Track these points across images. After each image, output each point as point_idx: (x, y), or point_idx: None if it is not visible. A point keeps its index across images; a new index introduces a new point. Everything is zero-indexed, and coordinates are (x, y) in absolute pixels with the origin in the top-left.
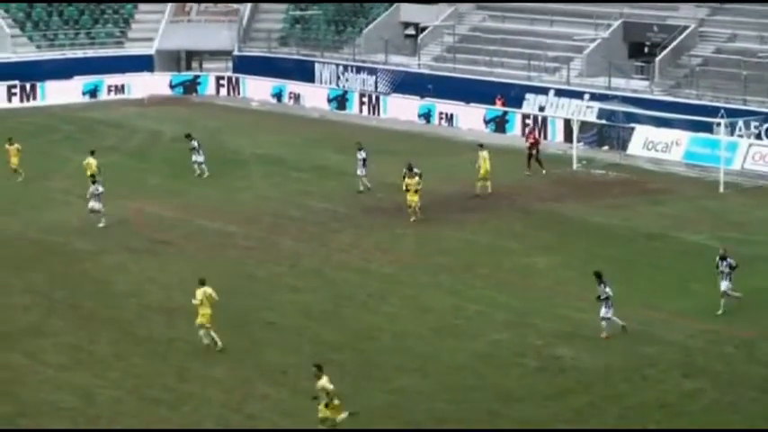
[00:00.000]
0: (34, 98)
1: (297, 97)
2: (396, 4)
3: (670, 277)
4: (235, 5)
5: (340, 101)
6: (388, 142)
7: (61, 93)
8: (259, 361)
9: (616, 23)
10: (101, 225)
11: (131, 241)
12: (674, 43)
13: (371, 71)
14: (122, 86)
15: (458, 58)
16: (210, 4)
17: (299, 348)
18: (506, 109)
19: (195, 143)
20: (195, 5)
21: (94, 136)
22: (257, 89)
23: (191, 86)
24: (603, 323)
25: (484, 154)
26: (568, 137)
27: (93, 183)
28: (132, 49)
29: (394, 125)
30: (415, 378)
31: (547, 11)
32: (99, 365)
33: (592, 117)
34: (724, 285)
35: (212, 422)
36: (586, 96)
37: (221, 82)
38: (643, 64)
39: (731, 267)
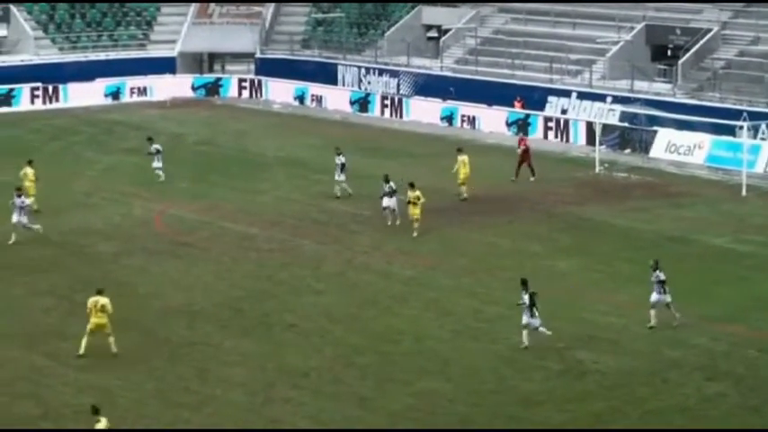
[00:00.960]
0: (57, 100)
1: (319, 99)
2: (418, 7)
3: (693, 280)
4: (257, 8)
5: (362, 103)
6: (410, 145)
7: (83, 95)
8: (281, 364)
9: (639, 26)
10: (10, 242)
11: (153, 243)
12: (697, 46)
13: (394, 73)
14: (144, 89)
15: (480, 61)
16: (233, 7)
17: (321, 351)
18: (528, 111)
19: (157, 146)
20: (218, 8)
21: (116, 138)
22: (280, 91)
23: (213, 89)
24: (524, 331)
25: (463, 158)
26: (591, 140)
27: (19, 196)
28: (154, 52)
29: (416, 127)
30: (437, 381)
31: (569, 14)
32: (121, 368)
33: (614, 120)
34: (654, 297)
35: (233, 424)
36: (609, 99)
37: (243, 84)
38: (666, 67)
39: (660, 281)
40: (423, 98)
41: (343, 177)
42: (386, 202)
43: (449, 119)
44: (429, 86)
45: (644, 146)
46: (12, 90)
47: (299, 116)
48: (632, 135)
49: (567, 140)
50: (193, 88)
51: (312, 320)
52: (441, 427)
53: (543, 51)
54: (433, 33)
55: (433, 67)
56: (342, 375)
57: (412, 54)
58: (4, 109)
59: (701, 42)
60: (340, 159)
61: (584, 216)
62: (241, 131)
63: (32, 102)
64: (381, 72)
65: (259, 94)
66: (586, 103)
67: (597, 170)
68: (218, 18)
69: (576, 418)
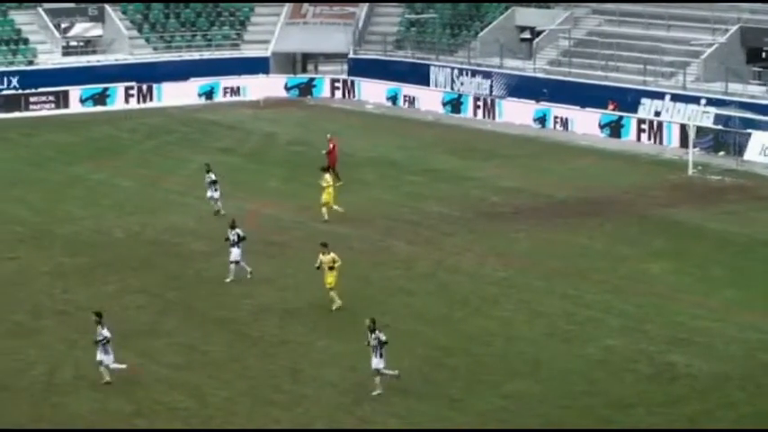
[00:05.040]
0: (151, 99)
1: (412, 100)
2: (512, 8)
3: None
4: (351, 8)
5: (455, 104)
6: (502, 146)
7: (177, 94)
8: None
9: (733, 28)
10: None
11: (246, 243)
12: None
13: (486, 75)
14: (238, 88)
15: (573, 63)
16: (326, 7)
17: (411, 351)
18: (621, 114)
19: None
20: (311, 8)
21: (210, 137)
22: (372, 92)
23: (306, 89)
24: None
25: (326, 177)
26: (684, 142)
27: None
28: (248, 52)
29: (508, 129)
30: (528, 383)
31: (663, 15)
32: (212, 366)
33: (708, 122)
34: (375, 362)
35: (324, 424)
36: (703, 101)
37: (336, 85)
38: (761, 69)
39: (380, 342)
40: (515, 99)
41: (217, 195)
42: (233, 255)
43: (541, 120)
44: (522, 88)
45: (738, 148)
46: (106, 89)
47: (392, 117)
48: (726, 138)
49: (661, 143)
50: (286, 88)
51: (403, 321)
52: (530, 428)
53: (637, 53)
54: (527, 35)
55: (525, 68)
56: (432, 376)
57: (505, 55)
58: (99, 108)
59: None
60: (210, 177)
61: (676, 219)
62: (333, 132)
63: (127, 101)
64: (474, 73)
65: (352, 95)
66: (680, 105)
67: (690, 173)
68: (311, 18)
69: (670, 422)
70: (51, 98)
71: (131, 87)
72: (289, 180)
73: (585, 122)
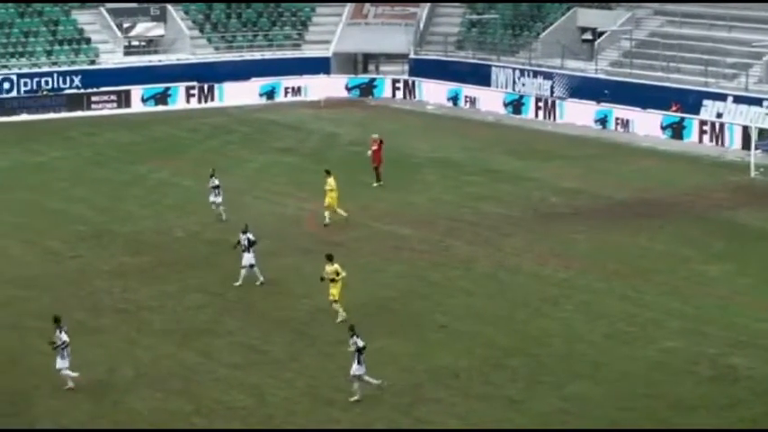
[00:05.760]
0: (212, 99)
1: (472, 101)
2: (573, 9)
3: None
4: (412, 8)
5: (516, 105)
6: (562, 147)
7: (238, 94)
8: (430, 364)
9: None
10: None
11: (306, 242)
12: None
13: (548, 75)
14: (299, 88)
15: (635, 64)
16: (388, 7)
17: (471, 352)
18: (683, 115)
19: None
20: (373, 8)
21: (270, 137)
22: (433, 92)
23: (366, 89)
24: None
25: (330, 181)
26: (746, 144)
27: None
28: (309, 52)
29: (570, 130)
30: (587, 384)
31: (725, 17)
32: (272, 366)
33: None
34: (354, 369)
35: (383, 424)
36: (766, 103)
37: (397, 85)
38: None
39: (359, 348)
40: (576, 100)
41: (220, 200)
42: (245, 259)
43: (602, 121)
44: (583, 89)
45: None
46: (168, 89)
47: (452, 117)
48: None
49: (722, 144)
50: (347, 89)
51: (463, 321)
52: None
53: (698, 54)
54: (588, 36)
55: (587, 69)
56: (492, 377)
57: (566, 56)
58: (161, 107)
59: None
60: (213, 182)
61: (737, 221)
62: (394, 132)
63: (188, 101)
64: (535, 74)
65: (412, 96)
66: (742, 106)
67: (752, 174)
68: (372, 19)
69: (731, 424)
70: (113, 97)
71: (192, 87)
72: (348, 180)
73: (647, 124)
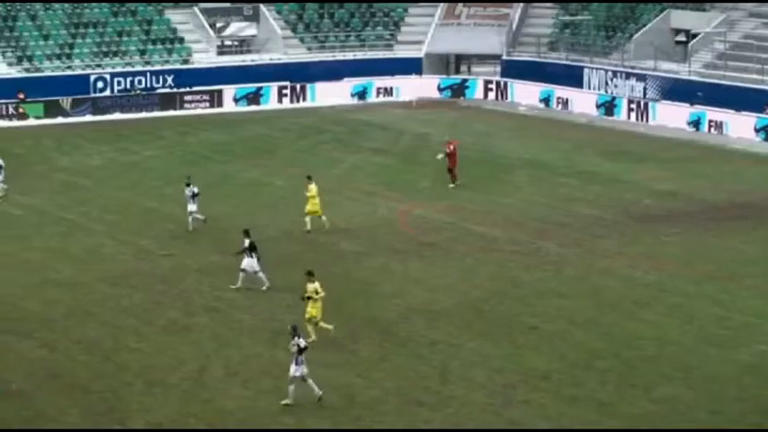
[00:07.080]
0: (304, 99)
1: (565, 102)
2: (667, 10)
3: None
4: (504, 9)
5: (608, 107)
6: (655, 149)
7: (330, 94)
8: (521, 365)
9: None
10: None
11: (397, 243)
12: None
13: (641, 77)
14: (391, 89)
15: (729, 66)
16: (480, 8)
17: (562, 354)
18: None
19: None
20: (465, 9)
21: (361, 137)
22: (525, 94)
23: (458, 90)
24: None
25: (311, 187)
26: None
27: None
28: (401, 52)
29: (662, 132)
30: (678, 387)
31: None
32: (362, 365)
33: None
34: (292, 370)
35: (474, 425)
36: None
37: (489, 86)
38: None
39: (300, 349)
40: (669, 102)
41: (195, 207)
42: (244, 263)
43: (695, 124)
44: (676, 91)
45: None
46: (260, 89)
47: (544, 119)
48: None
49: None
50: (439, 89)
51: (553, 323)
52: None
53: None
54: (682, 38)
55: (680, 71)
56: (582, 379)
57: (659, 58)
58: (253, 107)
59: None
60: (191, 190)
61: None
62: (486, 133)
63: (280, 100)
64: (628, 76)
65: (504, 97)
66: None
67: None
68: (465, 19)
69: None
70: (206, 97)
71: (285, 87)
72: (440, 181)
73: (741, 126)
